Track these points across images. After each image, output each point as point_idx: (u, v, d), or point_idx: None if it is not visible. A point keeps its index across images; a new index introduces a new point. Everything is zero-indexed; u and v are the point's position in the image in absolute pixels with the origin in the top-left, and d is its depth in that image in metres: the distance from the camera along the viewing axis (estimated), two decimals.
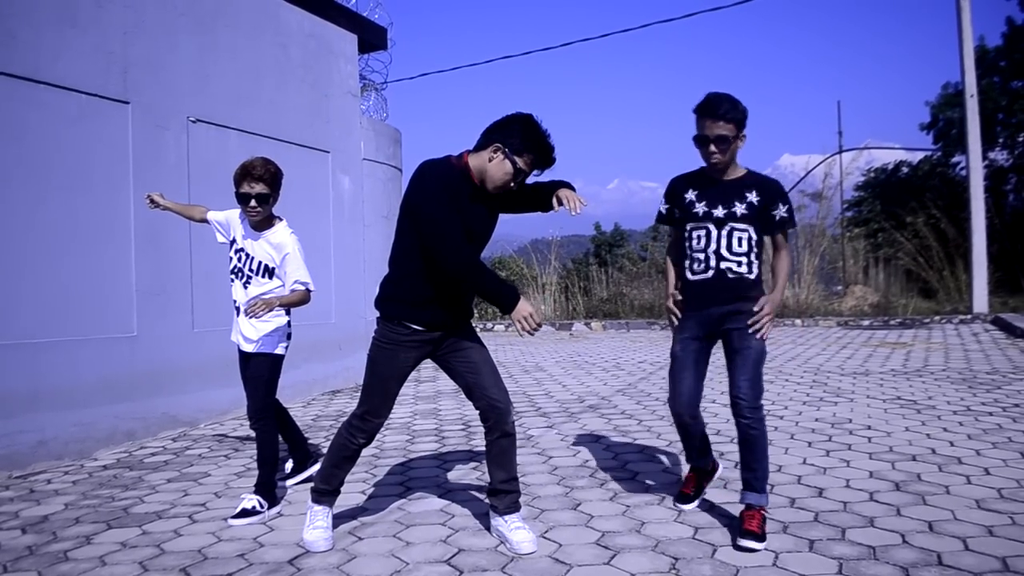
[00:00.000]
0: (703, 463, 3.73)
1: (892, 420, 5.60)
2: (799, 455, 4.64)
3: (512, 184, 3.21)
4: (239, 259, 4.05)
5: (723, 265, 3.37)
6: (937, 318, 14.04)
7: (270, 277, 3.99)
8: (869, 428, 5.36)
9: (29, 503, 4.25)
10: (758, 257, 3.40)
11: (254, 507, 3.83)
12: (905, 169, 23.50)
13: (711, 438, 5.18)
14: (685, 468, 4.02)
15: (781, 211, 3.39)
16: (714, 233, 3.38)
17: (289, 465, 4.51)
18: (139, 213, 5.64)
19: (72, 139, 5.37)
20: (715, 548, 3.21)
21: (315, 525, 3.40)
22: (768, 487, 3.37)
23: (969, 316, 13.93)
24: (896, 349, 10.22)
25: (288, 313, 4.08)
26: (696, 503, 3.73)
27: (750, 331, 3.32)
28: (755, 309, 3.33)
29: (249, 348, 4.01)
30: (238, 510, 3.81)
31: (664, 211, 3.64)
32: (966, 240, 14.82)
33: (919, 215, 17.23)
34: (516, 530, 3.28)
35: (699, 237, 3.43)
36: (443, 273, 3.13)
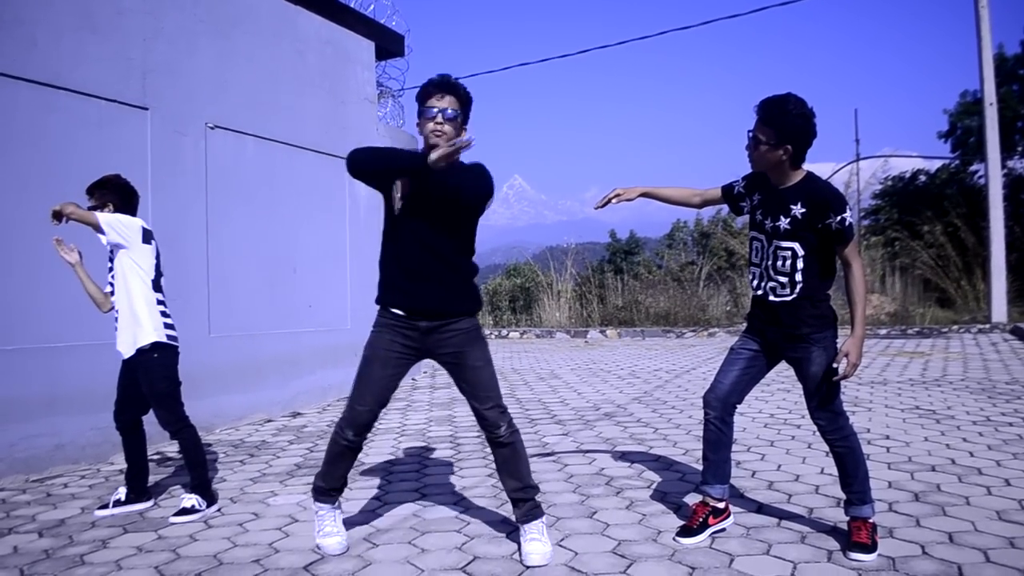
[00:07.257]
0: (714, 489, 3.44)
1: (911, 430, 5.54)
2: (817, 464, 4.60)
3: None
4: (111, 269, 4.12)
5: (769, 285, 3.26)
6: (955, 327, 13.90)
7: (112, 259, 4.09)
8: (888, 438, 5.31)
9: (46, 507, 4.27)
10: (814, 275, 3.18)
11: (193, 506, 3.94)
12: (923, 177, 23.35)
13: None
14: (695, 498, 3.72)
15: (834, 221, 3.07)
16: (765, 247, 3.27)
17: (123, 491, 4.18)
18: (156, 218, 5.66)
19: (91, 144, 5.42)
20: (732, 557, 3.18)
21: (325, 532, 3.39)
22: (871, 498, 3.26)
23: (988, 326, 13.79)
24: (914, 358, 10.14)
25: (167, 316, 4.08)
26: (697, 539, 3.36)
27: (814, 365, 3.20)
28: (834, 366, 3.15)
29: (136, 346, 3.98)
30: (178, 509, 3.94)
31: (737, 188, 3.45)
32: (984, 249, 14.69)
33: (936, 224, 17.11)
34: (530, 541, 3.22)
35: (756, 249, 3.33)
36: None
